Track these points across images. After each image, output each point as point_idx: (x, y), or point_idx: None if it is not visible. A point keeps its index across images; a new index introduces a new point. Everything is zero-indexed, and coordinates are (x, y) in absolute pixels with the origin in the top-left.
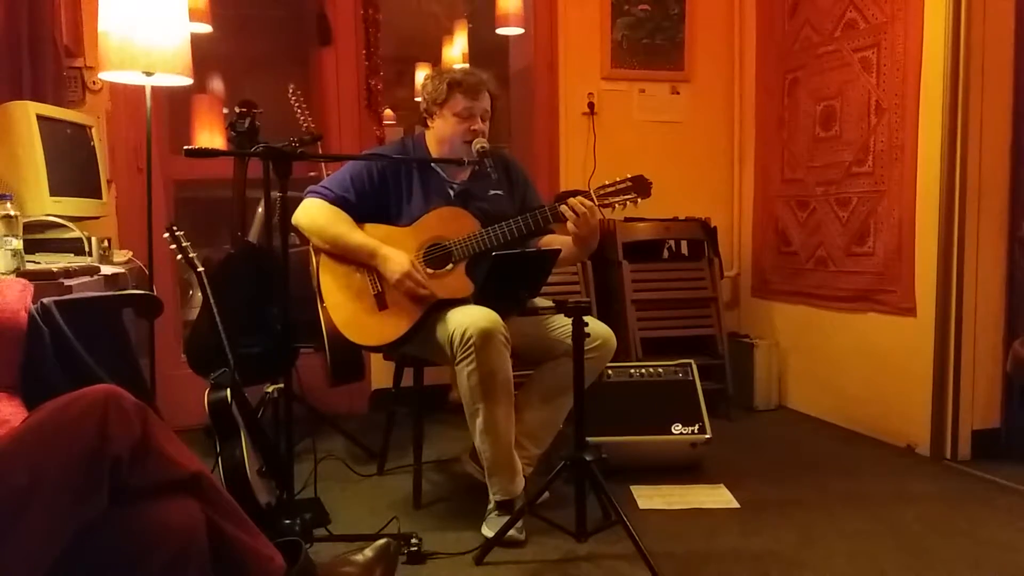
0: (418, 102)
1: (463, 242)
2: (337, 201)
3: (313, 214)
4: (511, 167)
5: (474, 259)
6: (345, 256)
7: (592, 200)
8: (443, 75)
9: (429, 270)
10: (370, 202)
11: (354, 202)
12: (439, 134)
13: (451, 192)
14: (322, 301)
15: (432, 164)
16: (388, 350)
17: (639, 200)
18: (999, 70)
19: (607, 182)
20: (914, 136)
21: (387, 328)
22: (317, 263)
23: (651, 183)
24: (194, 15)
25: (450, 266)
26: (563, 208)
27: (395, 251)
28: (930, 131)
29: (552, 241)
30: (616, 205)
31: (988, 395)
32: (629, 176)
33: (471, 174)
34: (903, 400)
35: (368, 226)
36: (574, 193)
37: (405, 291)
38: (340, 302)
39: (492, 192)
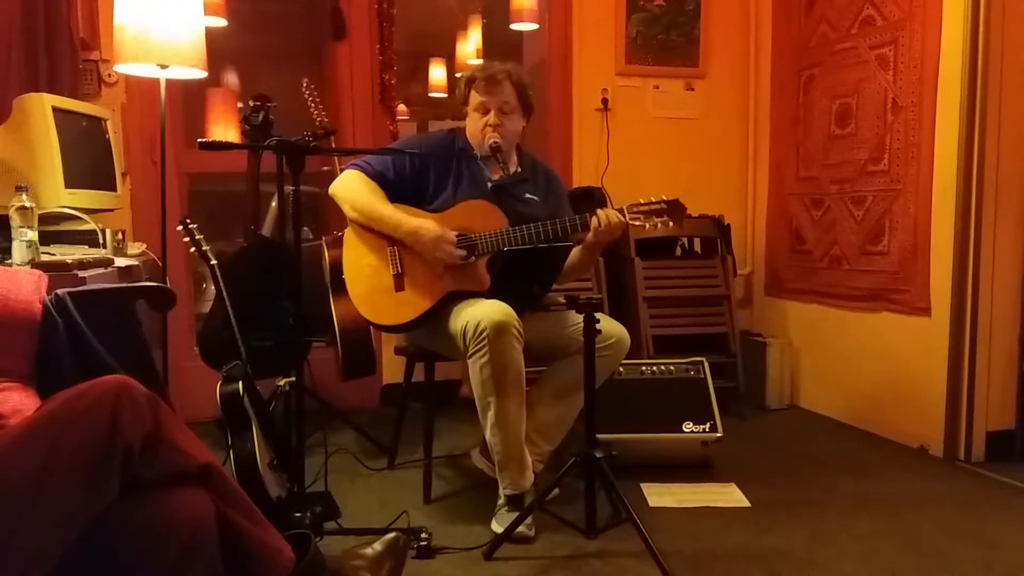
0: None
1: (488, 237)
2: (375, 176)
3: (349, 182)
4: (552, 178)
5: (496, 256)
6: (372, 226)
7: (624, 216)
8: (465, 74)
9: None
10: (407, 185)
11: (392, 180)
12: (468, 129)
13: (489, 186)
14: (342, 273)
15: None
16: (399, 331)
17: (671, 224)
18: (1018, 68)
19: (642, 200)
20: (931, 134)
21: (401, 309)
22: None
23: (686, 209)
24: (209, 9)
25: (472, 259)
26: (593, 219)
27: (425, 220)
28: (947, 129)
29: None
30: (647, 225)
31: (1003, 396)
32: (665, 198)
33: (513, 172)
34: (917, 401)
35: (398, 207)
36: (587, 190)
37: (441, 256)
38: (358, 276)
39: (528, 195)
